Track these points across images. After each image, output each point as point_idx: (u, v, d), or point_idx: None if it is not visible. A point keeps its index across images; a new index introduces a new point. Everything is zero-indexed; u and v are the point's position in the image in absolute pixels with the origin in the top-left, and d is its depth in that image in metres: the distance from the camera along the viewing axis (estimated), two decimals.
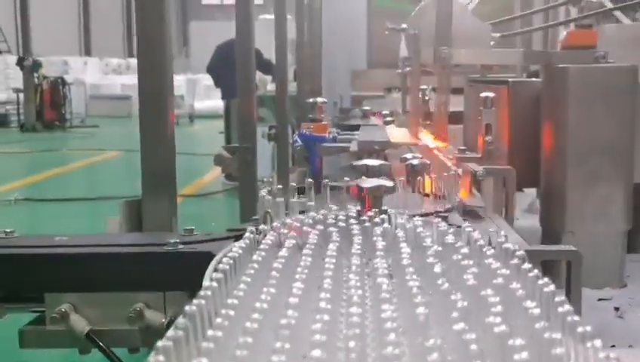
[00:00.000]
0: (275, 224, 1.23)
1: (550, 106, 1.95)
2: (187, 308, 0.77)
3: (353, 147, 2.17)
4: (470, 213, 1.58)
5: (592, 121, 1.87)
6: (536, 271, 0.87)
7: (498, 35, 2.10)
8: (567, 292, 1.25)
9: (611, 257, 2.00)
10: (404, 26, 2.22)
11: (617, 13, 2.45)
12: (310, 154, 2.23)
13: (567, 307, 0.74)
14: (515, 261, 0.94)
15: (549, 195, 2.02)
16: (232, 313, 0.77)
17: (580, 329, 0.69)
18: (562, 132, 1.89)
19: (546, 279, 0.83)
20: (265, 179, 1.85)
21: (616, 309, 1.86)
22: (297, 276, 0.91)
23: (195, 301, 0.79)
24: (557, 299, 0.78)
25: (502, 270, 0.90)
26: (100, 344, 1.36)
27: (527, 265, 0.90)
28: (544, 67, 2.00)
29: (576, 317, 0.71)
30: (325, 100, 2.57)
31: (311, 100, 2.55)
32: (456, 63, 2.04)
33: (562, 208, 1.96)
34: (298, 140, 2.31)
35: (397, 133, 2.70)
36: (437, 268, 0.93)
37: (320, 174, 2.12)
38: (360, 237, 1.14)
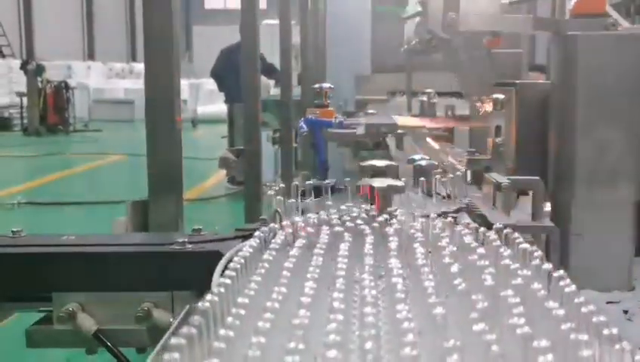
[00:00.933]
0: (285, 223, 1.22)
1: (559, 76, 1.93)
2: (200, 304, 0.76)
3: (360, 131, 2.14)
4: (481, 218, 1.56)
5: (602, 89, 1.85)
6: (561, 272, 0.86)
7: (507, 1, 2.09)
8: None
9: (620, 260, 1.98)
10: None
11: None
12: (316, 139, 2.21)
13: (591, 307, 0.73)
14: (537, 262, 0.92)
15: (557, 196, 2.00)
16: (243, 312, 0.76)
17: (606, 332, 0.68)
18: (572, 100, 1.86)
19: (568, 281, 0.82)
20: (268, 184, 1.85)
21: (625, 312, 1.84)
22: (309, 275, 0.90)
23: (207, 297, 0.78)
24: (577, 300, 0.77)
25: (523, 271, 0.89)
26: (108, 343, 1.35)
27: (547, 266, 0.89)
28: (553, 36, 1.99)
29: (602, 318, 0.70)
30: (331, 85, 2.53)
31: (316, 86, 2.51)
32: (464, 29, 2.02)
33: (570, 210, 1.95)
34: (304, 126, 2.29)
35: (403, 120, 2.69)
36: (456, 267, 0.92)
37: (326, 161, 2.10)
38: (372, 238, 1.13)
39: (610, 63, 1.85)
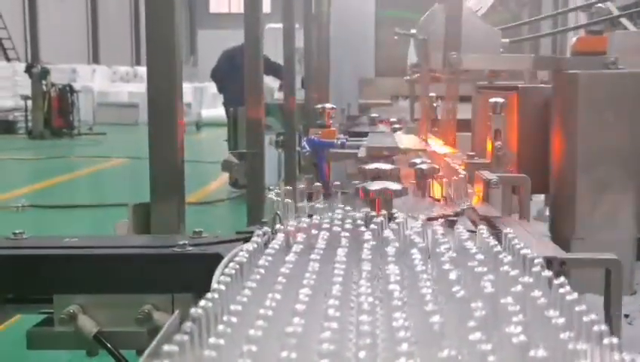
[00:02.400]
0: (283, 226, 1.23)
1: (560, 113, 1.95)
2: (192, 310, 0.75)
3: (361, 153, 2.16)
4: (485, 220, 1.56)
5: (603, 127, 1.87)
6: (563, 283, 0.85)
7: (507, 40, 2.10)
8: (606, 302, 1.22)
9: (622, 263, 1.98)
10: (413, 31, 2.22)
11: (624, 21, 2.45)
12: (318, 159, 2.23)
13: (593, 316, 0.73)
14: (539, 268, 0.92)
15: (558, 202, 2.01)
16: (234, 320, 0.75)
17: (606, 341, 0.68)
18: (572, 138, 1.89)
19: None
20: (272, 187, 1.85)
21: (626, 316, 1.85)
22: (305, 281, 0.88)
23: (201, 303, 0.77)
24: (578, 308, 0.77)
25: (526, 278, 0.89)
26: (108, 345, 1.36)
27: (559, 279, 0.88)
28: (554, 73, 2.00)
29: (603, 327, 0.70)
30: (334, 106, 2.57)
31: (319, 106, 2.55)
32: (466, 69, 2.04)
33: (572, 215, 1.95)
34: (306, 146, 2.31)
35: (405, 140, 2.70)
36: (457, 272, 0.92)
37: (328, 180, 2.11)
38: (370, 242, 1.13)
39: (610, 100, 1.86)
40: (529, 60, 2.09)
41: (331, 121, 2.46)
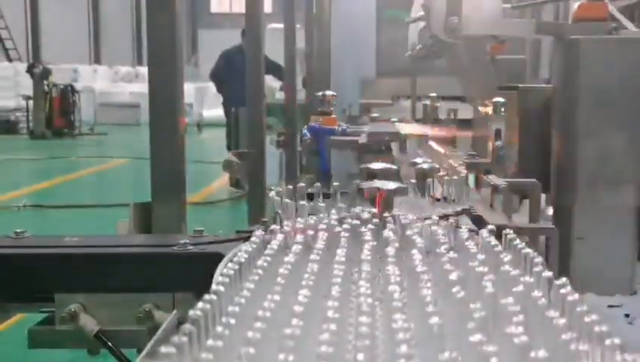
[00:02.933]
0: (282, 226, 1.23)
1: (561, 81, 1.94)
2: (191, 312, 0.75)
3: (362, 139, 2.16)
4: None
5: (604, 94, 1.86)
6: (565, 282, 0.85)
7: (509, 6, 2.09)
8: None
9: (622, 264, 1.99)
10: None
11: (624, 21, 2.45)
12: (319, 147, 2.23)
13: (595, 317, 0.73)
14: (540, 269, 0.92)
15: (559, 200, 2.01)
16: (233, 321, 0.74)
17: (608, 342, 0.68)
18: (574, 105, 1.87)
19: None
20: (272, 187, 1.85)
21: (627, 316, 1.84)
22: (304, 282, 0.88)
23: (199, 304, 0.77)
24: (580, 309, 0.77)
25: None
26: (109, 344, 1.36)
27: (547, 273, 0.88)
28: (555, 40, 2.00)
29: (604, 328, 0.70)
30: (334, 93, 2.55)
31: (320, 93, 2.53)
32: (467, 34, 2.03)
33: (572, 213, 1.95)
34: (307, 133, 2.30)
35: (405, 127, 2.70)
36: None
37: (329, 168, 2.11)
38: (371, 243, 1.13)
39: (612, 67, 1.86)
40: (531, 26, 2.09)
41: (332, 108, 2.45)
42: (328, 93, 2.52)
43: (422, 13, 2.18)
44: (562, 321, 0.74)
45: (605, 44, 1.91)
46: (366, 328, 0.72)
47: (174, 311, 1.19)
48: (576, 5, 2.02)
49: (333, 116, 2.41)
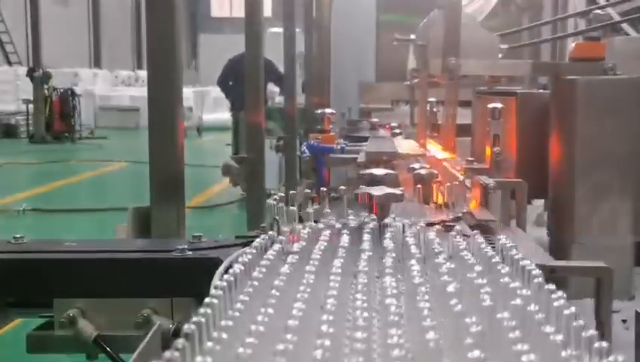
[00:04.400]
0: (280, 232, 1.23)
1: (558, 118, 1.96)
2: (185, 326, 0.74)
3: (361, 158, 2.17)
4: (480, 226, 1.56)
5: (601, 132, 1.88)
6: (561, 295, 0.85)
7: (506, 46, 2.11)
8: (596, 310, 1.22)
9: (620, 269, 1.99)
10: (412, 36, 2.24)
11: (625, 26, 2.46)
12: (318, 165, 2.24)
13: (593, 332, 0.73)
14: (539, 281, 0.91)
15: (557, 207, 2.02)
16: (224, 336, 0.73)
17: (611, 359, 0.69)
18: (570, 143, 1.90)
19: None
20: (272, 191, 1.86)
21: (624, 321, 1.85)
22: (299, 295, 0.86)
23: (193, 319, 0.75)
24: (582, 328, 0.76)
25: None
26: (108, 349, 1.36)
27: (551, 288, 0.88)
28: (552, 79, 2.01)
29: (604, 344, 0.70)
30: (333, 111, 2.58)
31: (319, 111, 2.56)
32: (465, 74, 2.05)
33: (571, 220, 1.96)
34: (306, 151, 2.32)
35: (405, 145, 2.71)
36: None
37: (328, 185, 2.12)
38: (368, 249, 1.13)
39: (609, 106, 1.87)
40: (527, 66, 2.11)
41: (331, 126, 2.47)
42: (327, 110, 2.54)
43: (414, 66, 2.20)
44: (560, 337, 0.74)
45: (602, 83, 1.92)
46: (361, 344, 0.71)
47: (157, 323, 1.20)
48: (573, 45, 2.04)
49: (332, 134, 2.43)
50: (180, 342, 0.70)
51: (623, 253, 1.99)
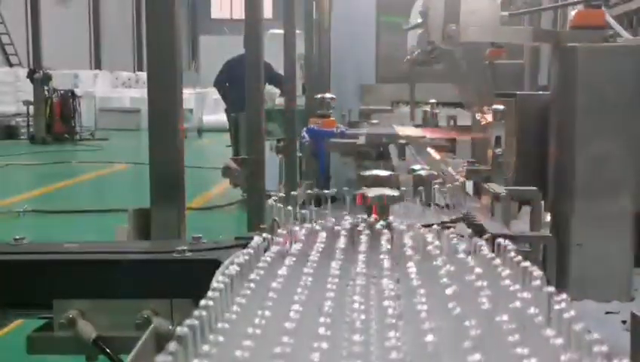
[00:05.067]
0: (278, 233, 1.23)
1: (559, 87, 1.94)
2: (178, 329, 0.73)
3: (361, 140, 2.16)
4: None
5: (602, 102, 1.85)
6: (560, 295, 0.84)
7: (507, 13, 2.09)
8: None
9: (619, 270, 1.99)
10: (419, 20, 2.23)
11: (621, 31, 2.45)
12: (318, 149, 2.23)
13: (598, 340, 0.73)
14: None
15: (556, 208, 2.01)
16: (221, 339, 0.72)
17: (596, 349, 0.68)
18: (571, 112, 1.87)
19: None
20: (272, 193, 1.86)
21: (624, 323, 1.84)
22: (296, 297, 0.85)
23: (187, 321, 0.75)
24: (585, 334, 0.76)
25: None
26: (107, 350, 1.36)
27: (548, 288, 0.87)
28: (553, 47, 2.00)
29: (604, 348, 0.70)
30: (333, 96, 2.56)
31: (319, 96, 2.54)
32: (464, 41, 2.04)
33: (570, 220, 1.95)
34: (306, 136, 2.31)
35: (404, 130, 2.70)
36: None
37: (328, 170, 2.11)
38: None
39: (609, 75, 1.86)
40: (528, 33, 2.09)
41: (331, 111, 2.45)
42: (327, 95, 2.53)
43: (420, 20, 2.19)
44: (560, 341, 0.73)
45: (603, 51, 1.91)
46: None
47: (152, 326, 1.20)
48: (573, 13, 2.02)
49: (332, 118, 2.42)
50: (172, 345, 0.69)
51: (622, 254, 1.98)
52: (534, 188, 1.64)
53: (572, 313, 0.80)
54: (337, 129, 2.39)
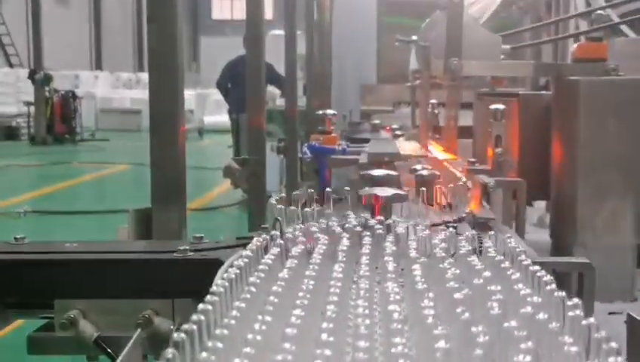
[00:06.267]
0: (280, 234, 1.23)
1: (560, 119, 1.95)
2: (175, 335, 0.72)
3: (363, 159, 2.16)
4: (480, 225, 1.57)
5: (603, 133, 1.87)
6: (573, 300, 0.84)
7: (508, 47, 2.10)
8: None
9: (622, 271, 1.99)
10: (414, 37, 2.24)
11: (624, 28, 2.46)
12: (320, 166, 2.23)
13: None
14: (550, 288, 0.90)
15: (559, 208, 2.01)
16: (220, 345, 0.71)
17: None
18: (572, 145, 1.89)
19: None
20: (273, 194, 1.85)
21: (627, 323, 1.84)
22: (299, 301, 0.84)
23: (184, 327, 0.74)
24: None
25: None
26: (109, 350, 1.36)
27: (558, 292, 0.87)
28: (554, 80, 2.01)
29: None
30: (335, 112, 2.57)
31: (320, 112, 2.55)
32: (467, 75, 2.05)
33: (573, 221, 1.95)
34: (307, 152, 2.31)
35: (406, 146, 2.71)
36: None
37: (329, 186, 2.11)
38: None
39: (611, 107, 1.87)
40: (529, 67, 2.10)
41: (332, 127, 2.46)
42: (329, 112, 2.53)
43: (416, 67, 2.20)
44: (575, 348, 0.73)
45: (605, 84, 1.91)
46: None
47: (138, 330, 1.20)
48: (575, 46, 2.03)
49: (333, 135, 2.42)
50: (169, 351, 0.68)
51: (625, 255, 1.98)
52: (520, 179, 1.65)
53: (591, 320, 0.80)
54: (339, 146, 2.40)
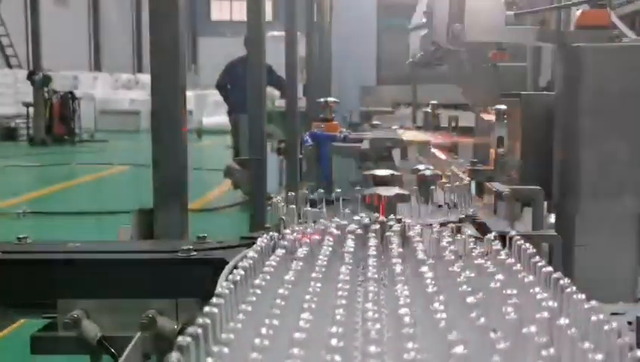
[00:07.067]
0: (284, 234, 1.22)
1: (563, 88, 1.93)
2: (179, 339, 0.71)
3: (364, 145, 2.15)
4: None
5: (607, 103, 1.85)
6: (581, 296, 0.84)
7: (512, 13, 2.08)
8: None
9: (625, 271, 1.98)
10: (424, 20, 2.23)
11: (625, 30, 2.45)
12: (321, 153, 2.22)
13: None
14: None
15: (561, 208, 2.01)
16: (226, 350, 0.70)
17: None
18: (575, 113, 1.86)
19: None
20: (273, 195, 1.85)
21: (630, 324, 1.84)
22: (305, 305, 0.83)
23: (189, 330, 0.73)
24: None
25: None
26: (112, 350, 1.35)
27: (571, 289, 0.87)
28: (558, 48, 1.99)
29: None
30: (337, 100, 2.56)
31: (321, 100, 2.53)
32: (469, 41, 2.03)
33: (574, 221, 1.95)
34: (309, 140, 2.30)
35: (408, 134, 2.70)
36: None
37: (331, 174, 2.10)
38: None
39: (614, 74, 1.86)
40: (533, 33, 2.08)
41: (334, 115, 2.45)
42: (330, 99, 2.52)
43: (424, 20, 2.19)
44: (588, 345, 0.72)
45: (607, 51, 1.91)
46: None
47: (138, 334, 1.19)
48: (578, 13, 2.01)
49: (334, 122, 2.41)
50: (174, 355, 0.68)
51: (627, 255, 1.98)
52: (538, 187, 1.63)
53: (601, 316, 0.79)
54: (340, 133, 2.38)
